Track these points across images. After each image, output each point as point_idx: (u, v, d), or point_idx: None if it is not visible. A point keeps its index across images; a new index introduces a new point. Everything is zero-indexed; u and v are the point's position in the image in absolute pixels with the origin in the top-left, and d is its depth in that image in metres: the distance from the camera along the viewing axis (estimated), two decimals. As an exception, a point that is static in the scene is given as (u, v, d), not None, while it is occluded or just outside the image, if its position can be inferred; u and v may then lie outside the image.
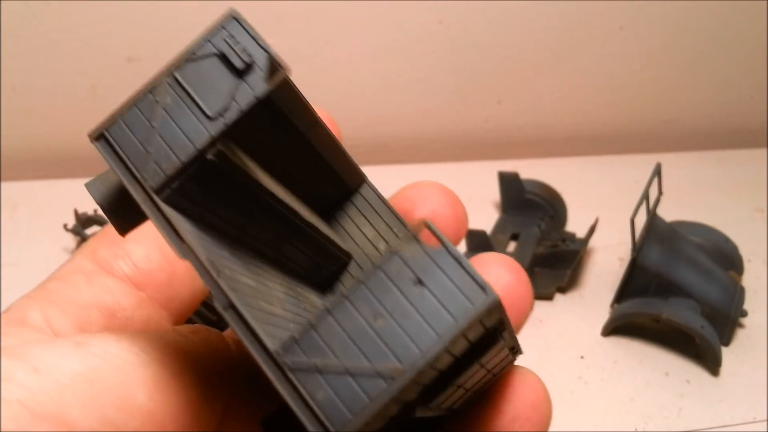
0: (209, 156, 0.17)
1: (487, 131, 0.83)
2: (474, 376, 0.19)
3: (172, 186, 0.17)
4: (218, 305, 0.16)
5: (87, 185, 0.19)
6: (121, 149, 0.17)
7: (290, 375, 0.15)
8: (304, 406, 0.15)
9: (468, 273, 0.15)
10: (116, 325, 0.22)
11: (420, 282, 0.16)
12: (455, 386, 0.18)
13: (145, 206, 0.17)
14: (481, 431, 0.22)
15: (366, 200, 0.24)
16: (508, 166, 0.71)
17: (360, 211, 0.24)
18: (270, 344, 0.15)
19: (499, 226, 0.67)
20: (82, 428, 0.16)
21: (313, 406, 0.15)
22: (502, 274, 0.24)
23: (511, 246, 0.65)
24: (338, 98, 0.78)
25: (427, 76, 0.79)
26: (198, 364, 0.19)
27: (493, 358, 0.19)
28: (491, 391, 0.23)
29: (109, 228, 0.23)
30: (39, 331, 0.20)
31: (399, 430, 0.20)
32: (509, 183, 0.67)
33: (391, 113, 0.80)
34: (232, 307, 0.16)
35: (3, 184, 0.70)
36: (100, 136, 0.18)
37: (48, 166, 0.73)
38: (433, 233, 0.16)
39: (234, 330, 0.16)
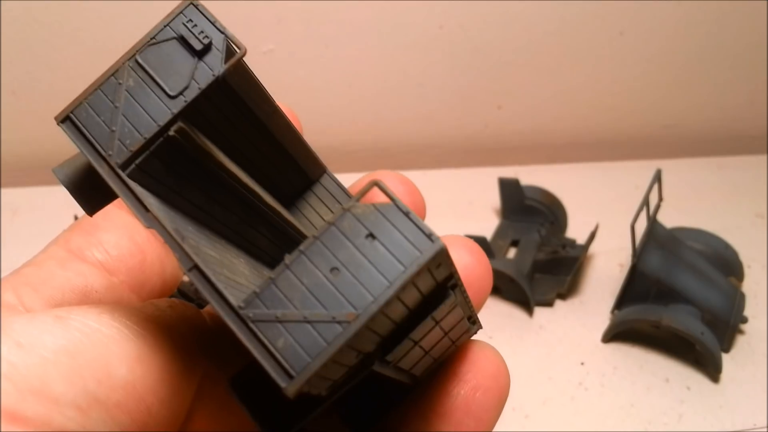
0: (171, 132, 0.18)
1: (487, 136, 0.83)
2: (431, 336, 0.20)
3: (137, 161, 0.18)
4: (183, 268, 0.17)
5: (54, 170, 0.20)
6: (86, 130, 0.18)
7: (252, 326, 0.16)
8: (267, 354, 0.16)
9: (416, 225, 0.16)
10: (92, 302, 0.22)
11: (372, 235, 0.16)
12: (412, 342, 0.19)
13: (111, 181, 0.18)
14: (444, 401, 0.23)
15: (326, 189, 0.25)
16: (509, 172, 0.71)
17: (320, 199, 0.25)
18: (232, 299, 0.16)
19: (499, 232, 0.67)
20: (65, 401, 0.16)
21: (275, 353, 0.16)
22: (462, 255, 0.25)
23: (512, 252, 0.65)
24: (338, 103, 0.78)
25: (427, 81, 0.79)
26: (176, 337, 0.19)
27: (447, 316, 0.20)
28: (452, 362, 0.23)
29: (83, 219, 0.24)
30: (12, 309, 0.20)
31: (365, 397, 0.22)
32: (509, 189, 0.67)
33: (391, 118, 0.80)
34: (195, 267, 0.17)
35: (3, 189, 0.70)
36: (65, 119, 0.19)
37: (48, 172, 0.73)
38: (383, 191, 0.17)
39: (199, 289, 0.17)
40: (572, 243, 0.65)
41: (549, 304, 0.61)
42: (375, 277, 0.16)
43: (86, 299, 0.22)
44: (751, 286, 0.62)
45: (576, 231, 0.67)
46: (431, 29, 0.75)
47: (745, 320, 0.56)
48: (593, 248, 0.65)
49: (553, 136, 0.85)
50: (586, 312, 0.60)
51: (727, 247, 0.61)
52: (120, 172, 0.18)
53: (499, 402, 0.23)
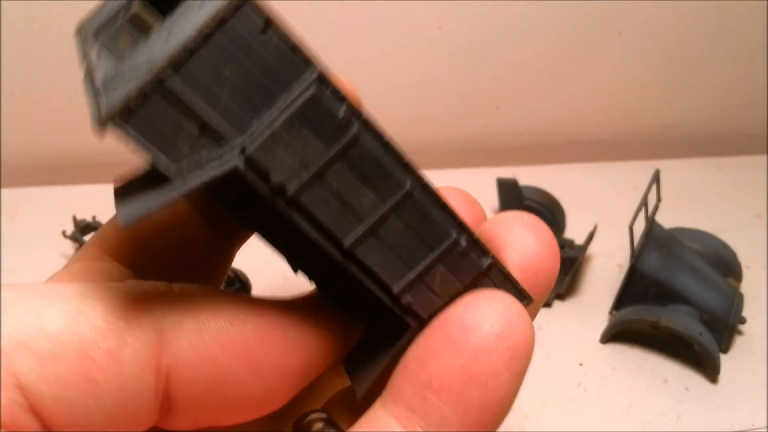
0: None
1: (485, 136, 0.83)
2: (391, 228, 0.20)
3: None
4: None
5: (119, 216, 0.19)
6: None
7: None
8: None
9: None
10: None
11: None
12: (346, 211, 0.19)
13: None
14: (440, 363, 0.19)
15: None
16: (507, 172, 0.71)
17: None
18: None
19: (498, 233, 0.67)
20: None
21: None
22: (524, 238, 0.22)
23: (510, 252, 0.65)
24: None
25: (425, 82, 0.79)
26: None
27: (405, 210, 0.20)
28: (456, 312, 0.20)
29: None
30: None
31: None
32: (508, 189, 0.67)
33: (388, 118, 0.80)
34: None
35: (3, 190, 0.70)
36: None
37: (47, 173, 0.73)
38: None
39: None
40: (571, 243, 0.65)
41: (547, 304, 0.61)
42: (190, 29, 0.17)
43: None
44: (749, 286, 0.62)
45: (574, 231, 0.67)
46: (430, 29, 0.75)
47: (743, 321, 0.56)
48: (592, 249, 0.65)
49: (552, 136, 0.85)
50: (585, 312, 0.60)
51: (725, 247, 0.61)
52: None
53: (510, 364, 0.19)
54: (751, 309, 0.59)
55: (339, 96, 0.19)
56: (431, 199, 0.20)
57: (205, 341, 0.18)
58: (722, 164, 0.83)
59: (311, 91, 0.18)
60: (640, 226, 0.56)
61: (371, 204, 0.19)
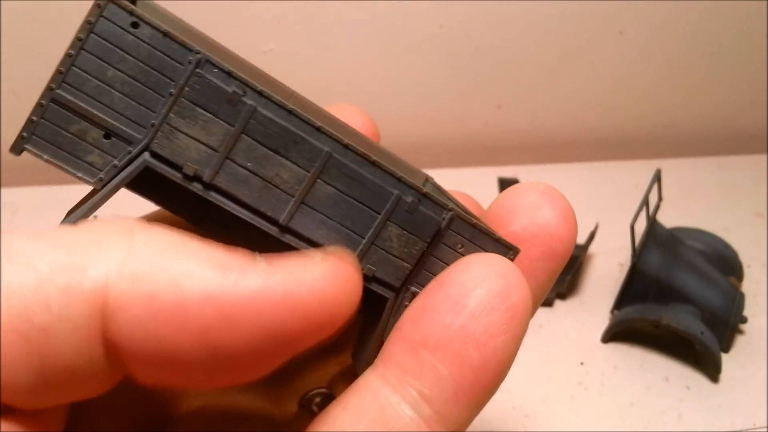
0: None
1: (486, 135, 0.83)
2: (323, 195, 0.19)
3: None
4: None
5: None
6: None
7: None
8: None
9: None
10: None
11: None
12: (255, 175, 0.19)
13: None
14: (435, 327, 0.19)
15: None
16: (508, 171, 0.71)
17: None
18: None
19: (498, 232, 0.67)
20: None
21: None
22: (542, 209, 0.21)
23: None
24: (337, 101, 0.77)
25: (426, 80, 0.79)
26: None
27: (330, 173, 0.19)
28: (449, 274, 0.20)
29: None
30: None
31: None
32: (509, 188, 0.67)
33: (390, 117, 0.80)
34: None
35: (3, 189, 0.70)
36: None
37: (48, 172, 0.73)
38: None
39: None
40: (572, 242, 0.65)
41: (548, 303, 0.61)
42: None
43: None
44: (750, 285, 0.62)
45: (576, 230, 0.67)
46: (431, 28, 0.75)
47: (744, 320, 0.56)
48: (593, 248, 0.65)
49: (553, 135, 0.85)
50: (586, 311, 0.60)
51: (726, 246, 0.61)
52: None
53: (510, 325, 0.18)
54: (752, 308, 0.59)
55: (226, 71, 0.19)
56: (358, 160, 0.20)
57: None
58: (723, 163, 0.83)
59: (194, 71, 0.18)
60: (641, 225, 0.56)
61: (293, 175, 0.19)
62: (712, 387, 0.53)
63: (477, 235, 0.21)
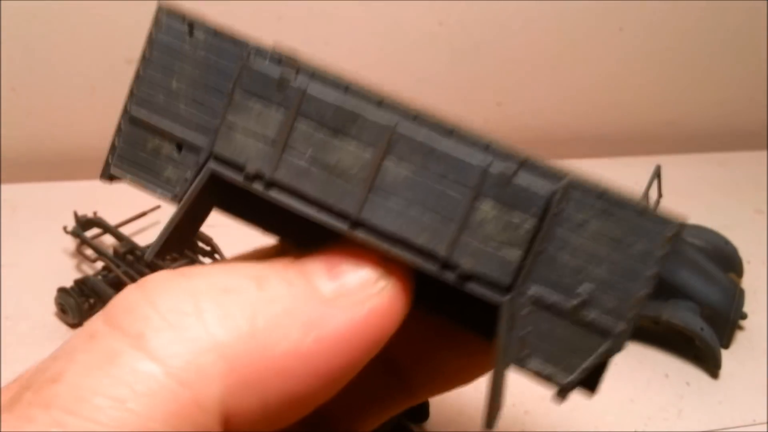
0: None
1: (486, 132, 0.83)
2: None
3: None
4: None
5: None
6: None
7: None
8: None
9: None
10: None
11: None
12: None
13: None
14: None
15: None
16: (508, 167, 0.71)
17: None
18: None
19: (498, 228, 0.67)
20: None
21: None
22: None
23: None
24: (338, 100, 0.78)
25: (426, 77, 0.79)
26: None
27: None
28: None
29: None
30: None
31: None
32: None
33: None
34: None
35: (3, 185, 0.70)
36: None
37: (48, 168, 0.73)
38: None
39: None
40: (572, 239, 0.65)
41: (549, 300, 0.61)
42: None
43: None
44: (750, 282, 0.62)
45: (576, 227, 0.67)
46: (430, 26, 0.75)
47: (744, 316, 0.56)
48: (593, 244, 0.64)
49: (553, 132, 0.85)
50: (586, 308, 0.60)
51: (726, 242, 0.61)
52: None
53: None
54: (752, 304, 0.59)
55: (276, 59, 0.18)
56: (433, 130, 0.17)
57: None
58: (723, 160, 0.83)
59: (244, 64, 0.18)
60: (641, 222, 0.56)
61: (357, 158, 0.17)
62: (712, 383, 0.53)
63: (611, 207, 0.16)
